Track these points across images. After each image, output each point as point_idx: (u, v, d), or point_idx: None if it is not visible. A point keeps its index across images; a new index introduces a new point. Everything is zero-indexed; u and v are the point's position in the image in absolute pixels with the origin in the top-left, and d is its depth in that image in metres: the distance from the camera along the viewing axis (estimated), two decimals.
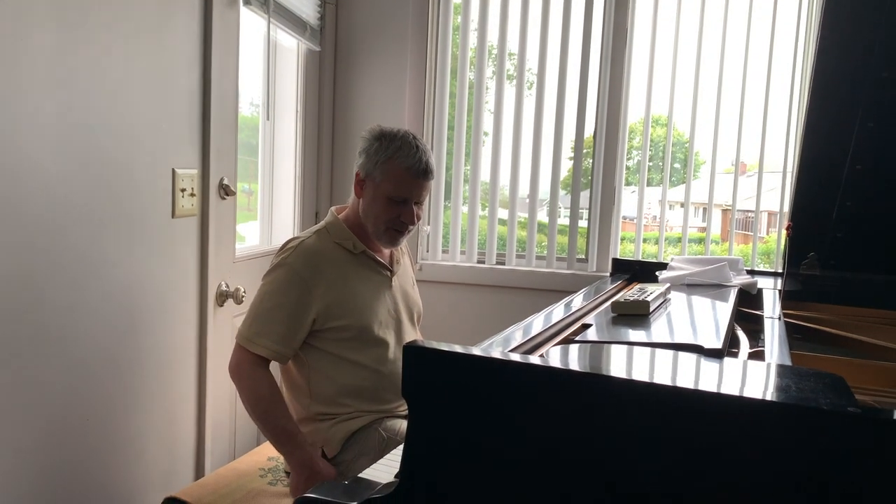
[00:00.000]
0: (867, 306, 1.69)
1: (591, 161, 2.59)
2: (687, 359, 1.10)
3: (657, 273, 2.04)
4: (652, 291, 1.58)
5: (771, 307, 1.71)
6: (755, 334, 1.52)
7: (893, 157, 1.56)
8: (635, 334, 1.33)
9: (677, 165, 2.80)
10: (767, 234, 2.89)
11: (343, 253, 1.65)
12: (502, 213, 2.71)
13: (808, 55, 2.33)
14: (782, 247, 2.32)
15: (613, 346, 1.19)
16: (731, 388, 0.99)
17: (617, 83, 2.51)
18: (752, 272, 2.14)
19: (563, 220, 2.65)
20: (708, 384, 0.99)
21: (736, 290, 1.83)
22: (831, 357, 1.37)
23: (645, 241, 2.73)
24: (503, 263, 2.67)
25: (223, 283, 2.00)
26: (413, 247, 2.61)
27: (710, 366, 1.07)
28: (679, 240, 2.63)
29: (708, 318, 1.51)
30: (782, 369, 1.07)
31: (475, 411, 0.96)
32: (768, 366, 1.12)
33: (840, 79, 1.51)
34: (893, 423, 0.79)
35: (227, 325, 2.02)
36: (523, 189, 2.67)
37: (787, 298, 1.76)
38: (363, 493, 1.04)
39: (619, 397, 0.89)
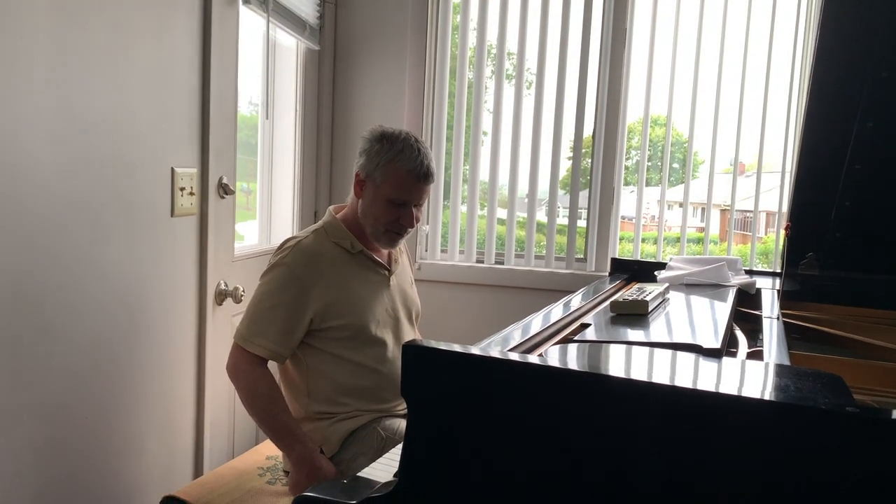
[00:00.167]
0: (866, 306, 1.70)
1: (589, 161, 2.59)
2: (685, 358, 1.10)
3: (656, 273, 2.04)
4: (651, 291, 1.58)
5: (769, 307, 1.71)
6: (754, 334, 1.52)
7: (893, 157, 1.56)
8: (634, 334, 1.33)
9: (676, 165, 2.81)
10: (766, 234, 2.90)
11: (341, 253, 1.65)
12: (501, 213, 2.71)
13: (807, 55, 2.33)
14: (781, 247, 2.32)
15: (612, 346, 1.19)
16: (729, 387, 0.99)
17: (616, 83, 2.51)
18: (750, 272, 2.14)
19: (562, 220, 2.65)
20: (706, 384, 0.99)
21: (734, 290, 1.83)
22: (830, 357, 1.37)
23: (644, 240, 2.73)
24: (502, 263, 2.67)
25: (222, 282, 2.00)
26: (412, 246, 2.61)
27: (708, 365, 1.07)
28: (678, 240, 2.63)
29: (706, 318, 1.51)
30: (781, 369, 1.07)
31: (474, 410, 0.96)
32: (767, 365, 1.12)
33: (839, 78, 1.51)
34: (892, 423, 0.79)
35: (225, 324, 2.02)
36: (522, 188, 2.67)
37: (785, 298, 1.77)
38: (362, 491, 1.04)
39: (617, 397, 0.89)
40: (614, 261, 2.33)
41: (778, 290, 1.87)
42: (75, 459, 1.56)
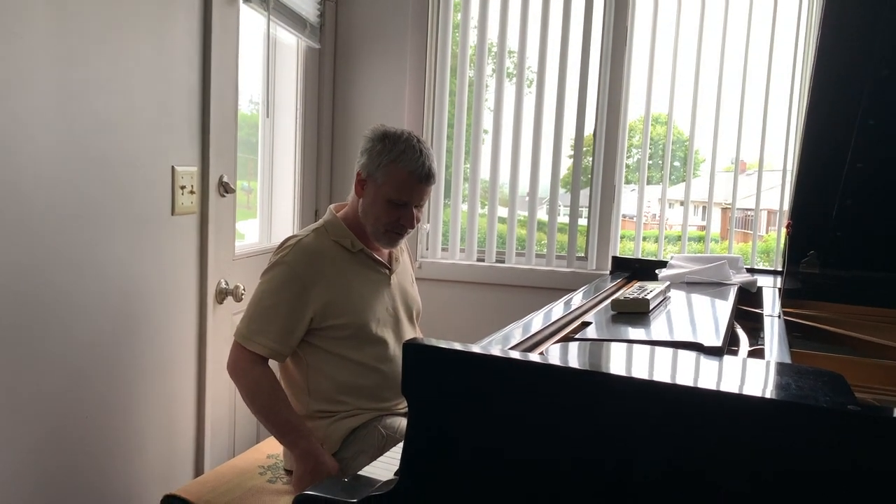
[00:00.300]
0: (867, 304, 1.69)
1: (590, 159, 2.59)
2: (687, 357, 1.10)
3: (657, 271, 2.04)
4: (652, 290, 1.58)
5: (771, 305, 1.71)
6: (755, 332, 1.52)
7: (894, 156, 1.56)
8: (635, 332, 1.33)
9: (677, 164, 2.80)
10: (767, 232, 2.89)
11: (341, 251, 1.64)
12: (502, 212, 2.71)
13: (808, 53, 2.33)
14: (782, 245, 2.32)
15: (613, 344, 1.19)
16: (730, 385, 0.99)
17: (617, 81, 2.51)
18: (751, 270, 2.14)
19: (563, 219, 2.65)
20: (708, 382, 0.99)
21: (735, 288, 1.83)
22: (831, 355, 1.37)
23: (645, 239, 2.73)
24: (503, 261, 2.67)
25: (222, 280, 2.00)
26: (413, 245, 2.61)
27: (709, 364, 1.07)
28: (679, 238, 2.63)
29: (707, 317, 1.51)
30: (782, 367, 1.07)
31: (475, 409, 0.96)
32: (768, 364, 1.12)
33: (840, 77, 1.51)
34: (893, 422, 0.79)
35: (226, 323, 2.02)
36: (523, 187, 2.67)
37: (786, 297, 1.76)
38: (363, 490, 1.04)
39: (618, 395, 0.89)
40: (615, 259, 2.32)
41: (779, 289, 1.87)
42: (76, 458, 1.56)
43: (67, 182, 1.47)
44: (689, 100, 2.48)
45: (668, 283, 1.78)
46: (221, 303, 2.00)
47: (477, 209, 2.69)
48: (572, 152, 2.60)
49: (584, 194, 2.61)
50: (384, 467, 1.29)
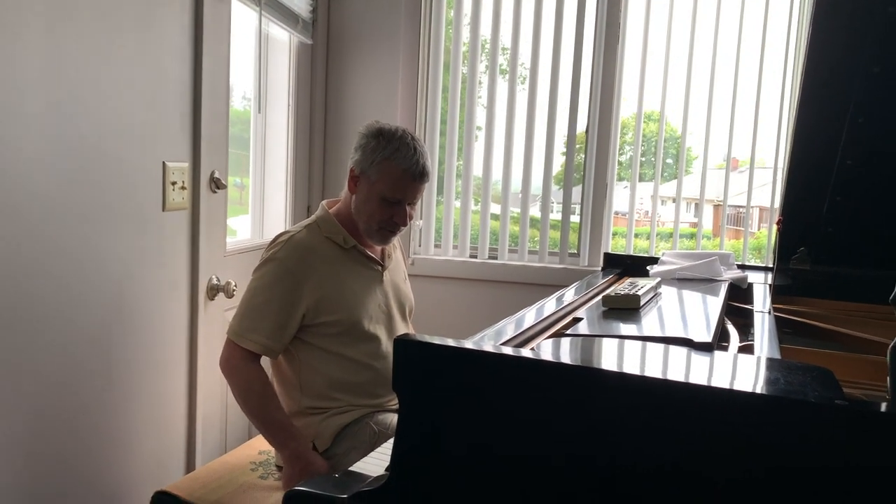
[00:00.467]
0: (856, 301, 1.70)
1: (583, 156, 2.59)
2: (677, 352, 1.10)
3: (648, 268, 2.05)
4: (643, 286, 1.58)
5: (761, 302, 1.72)
6: (745, 328, 1.52)
7: (884, 153, 1.57)
8: (626, 328, 1.33)
9: (670, 161, 2.81)
10: (759, 229, 2.91)
11: (334, 248, 1.64)
12: (495, 208, 2.71)
13: (799, 51, 2.34)
14: (773, 242, 2.33)
15: (604, 340, 1.19)
16: (720, 381, 1.00)
17: (609, 78, 2.52)
18: (742, 267, 2.15)
19: (556, 216, 2.65)
20: (697, 377, 1.00)
21: (726, 284, 1.83)
22: (820, 351, 1.38)
23: (637, 236, 2.73)
24: (495, 258, 2.68)
25: (214, 276, 1.99)
26: (405, 241, 2.61)
27: (699, 359, 1.07)
28: (671, 235, 2.64)
29: (698, 313, 1.51)
30: (771, 363, 1.08)
31: (466, 404, 0.96)
32: (758, 359, 1.13)
33: (830, 74, 1.52)
34: (880, 416, 0.80)
35: (218, 319, 2.01)
36: (516, 184, 2.67)
37: (777, 293, 1.77)
38: (354, 486, 1.04)
39: (608, 390, 0.89)
40: (607, 255, 2.33)
41: (770, 285, 1.88)
42: (66, 454, 1.55)
43: (57, 178, 1.46)
44: (682, 97, 2.49)
45: (658, 279, 1.79)
46: (213, 299, 1.99)
47: (470, 206, 2.69)
48: (565, 149, 2.60)
49: (576, 191, 2.62)
50: (376, 463, 1.29)
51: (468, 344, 1.01)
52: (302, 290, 1.56)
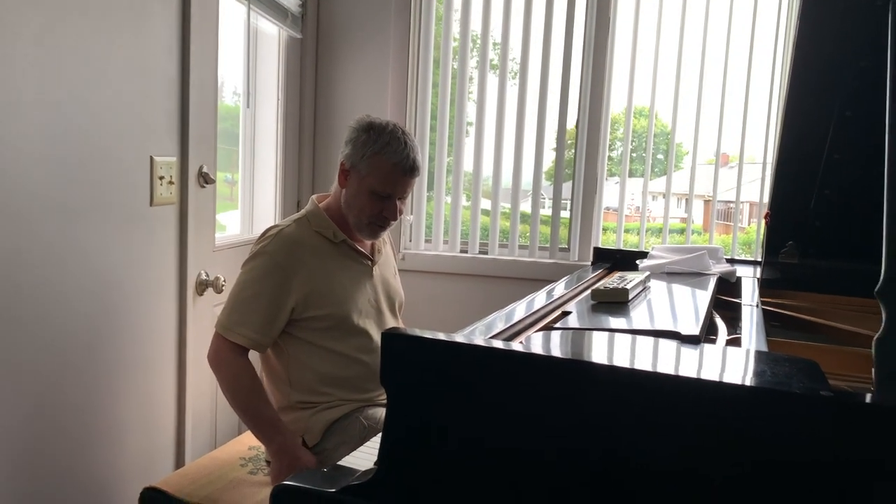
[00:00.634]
0: (843, 294, 1.71)
1: (573, 152, 2.60)
2: (664, 345, 1.10)
3: (638, 262, 2.05)
4: (632, 280, 1.59)
5: (749, 295, 1.72)
6: (733, 322, 1.53)
7: (870, 146, 1.58)
8: (615, 321, 1.33)
9: (660, 156, 2.82)
10: (748, 224, 2.92)
11: (323, 242, 1.64)
12: (485, 204, 2.71)
13: (788, 47, 2.35)
14: (761, 236, 2.34)
15: (592, 333, 1.19)
16: (707, 373, 1.00)
17: (599, 74, 2.52)
18: (731, 261, 2.16)
19: (546, 211, 2.66)
20: (684, 370, 1.00)
21: (715, 278, 1.84)
22: (807, 343, 1.38)
23: (627, 231, 2.74)
24: (486, 253, 2.68)
25: (203, 272, 1.98)
26: (396, 236, 2.60)
27: (687, 352, 1.07)
28: (661, 230, 2.64)
29: (687, 306, 1.52)
30: (758, 355, 1.08)
31: (452, 397, 0.96)
32: (745, 352, 1.13)
33: (818, 69, 1.52)
34: (864, 406, 0.80)
35: (207, 315, 2.00)
36: (506, 179, 2.67)
37: (764, 287, 1.78)
38: (342, 480, 1.04)
39: (596, 382, 0.89)
40: (597, 250, 2.33)
41: (758, 279, 1.89)
42: (55, 450, 1.54)
43: (43, 172, 1.45)
44: (671, 93, 2.50)
45: (647, 273, 1.79)
46: (202, 294, 1.98)
47: (460, 201, 2.69)
48: (555, 145, 2.60)
49: (566, 187, 2.62)
50: (365, 457, 1.29)
51: (454, 337, 1.01)
52: (291, 285, 1.56)
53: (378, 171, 1.59)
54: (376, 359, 1.64)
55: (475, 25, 2.63)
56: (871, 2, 1.42)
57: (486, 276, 2.60)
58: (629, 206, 2.80)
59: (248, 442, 1.79)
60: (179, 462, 1.96)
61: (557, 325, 1.30)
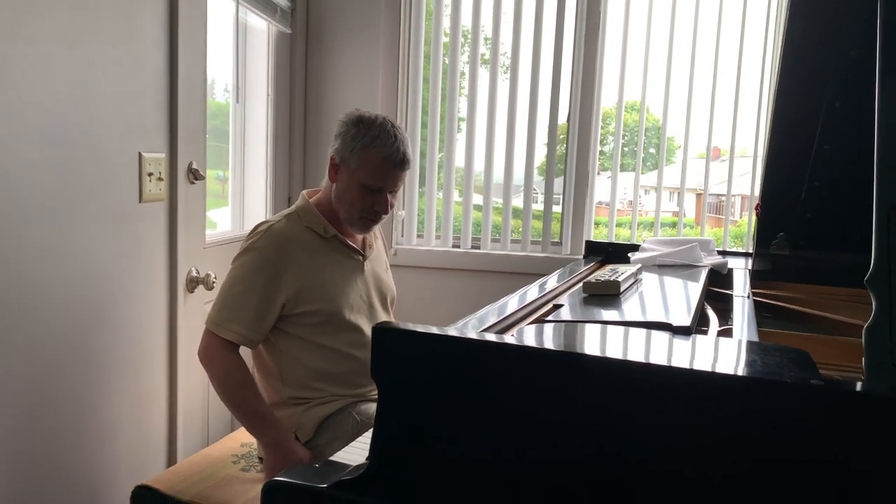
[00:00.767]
0: (834, 285, 1.72)
1: (565, 146, 2.59)
2: (656, 337, 1.10)
3: (629, 254, 2.06)
4: (623, 272, 1.59)
5: (741, 286, 1.73)
6: (725, 313, 1.53)
7: (861, 137, 1.58)
8: (606, 313, 1.33)
9: (652, 150, 2.82)
10: (740, 217, 2.93)
11: (314, 237, 1.63)
12: (477, 199, 2.71)
13: (778, 40, 2.35)
14: (752, 228, 2.35)
15: (584, 325, 1.19)
16: (699, 364, 1.00)
17: (590, 68, 2.51)
18: (722, 253, 2.16)
19: (538, 206, 2.65)
20: (677, 361, 1.00)
21: (706, 270, 1.84)
22: (797, 334, 1.39)
23: (619, 225, 2.74)
24: (478, 248, 2.67)
25: (193, 269, 1.97)
26: (388, 231, 2.59)
27: (678, 343, 1.07)
28: (653, 224, 2.65)
29: (678, 298, 1.52)
30: (749, 346, 1.08)
31: (444, 391, 0.96)
32: (737, 342, 1.13)
33: (808, 59, 1.52)
34: (854, 395, 0.80)
35: (197, 312, 1.99)
36: (498, 174, 2.66)
37: (756, 278, 1.79)
38: (334, 475, 1.03)
39: (588, 374, 0.89)
40: (588, 243, 2.34)
41: (749, 270, 1.89)
42: (46, 448, 1.53)
43: (30, 169, 1.43)
44: (662, 87, 2.50)
45: (639, 265, 1.79)
46: (192, 291, 1.97)
47: (452, 196, 2.68)
48: (547, 139, 2.60)
49: (558, 181, 2.62)
50: (358, 452, 1.28)
51: (445, 330, 1.00)
52: (281, 280, 1.55)
53: (368, 165, 1.58)
54: (368, 354, 1.62)
55: (466, 20, 2.62)
56: None
57: (478, 271, 2.60)
58: (621, 201, 2.80)
59: (241, 439, 1.78)
60: (171, 460, 1.95)
61: (549, 317, 1.29)
